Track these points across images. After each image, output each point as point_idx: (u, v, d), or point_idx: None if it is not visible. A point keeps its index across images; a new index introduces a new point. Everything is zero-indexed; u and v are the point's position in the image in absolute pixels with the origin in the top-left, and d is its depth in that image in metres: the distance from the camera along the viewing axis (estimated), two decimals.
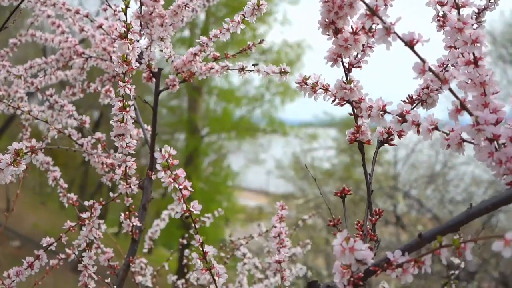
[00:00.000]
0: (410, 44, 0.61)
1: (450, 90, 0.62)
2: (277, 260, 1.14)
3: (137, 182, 1.09)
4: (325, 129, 10.36)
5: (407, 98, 0.83)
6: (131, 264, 1.18)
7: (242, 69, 1.15)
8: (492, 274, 5.56)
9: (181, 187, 0.76)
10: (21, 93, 1.40)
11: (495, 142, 0.62)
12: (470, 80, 0.67)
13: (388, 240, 6.37)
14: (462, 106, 0.62)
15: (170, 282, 1.64)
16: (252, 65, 1.15)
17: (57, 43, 1.36)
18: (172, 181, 0.76)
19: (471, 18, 0.87)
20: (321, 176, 8.76)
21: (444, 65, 0.83)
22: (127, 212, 1.13)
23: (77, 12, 1.28)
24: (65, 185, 1.25)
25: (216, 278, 0.79)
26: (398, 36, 0.61)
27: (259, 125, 10.45)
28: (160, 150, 0.74)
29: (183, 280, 1.59)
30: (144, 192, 1.23)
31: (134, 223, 1.14)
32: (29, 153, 0.83)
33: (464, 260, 1.32)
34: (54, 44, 1.36)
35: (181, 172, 0.77)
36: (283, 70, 1.08)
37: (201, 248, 0.79)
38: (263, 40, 1.22)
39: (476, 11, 0.87)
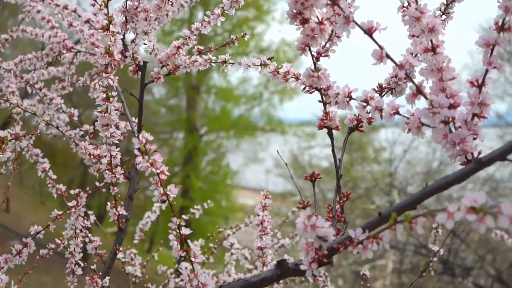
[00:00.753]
0: (368, 32, 0.64)
1: (407, 75, 0.65)
2: (259, 247, 1.17)
3: (122, 171, 1.13)
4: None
5: (377, 87, 0.86)
6: (117, 252, 1.21)
7: (224, 62, 1.18)
8: (488, 270, 5.59)
9: (158, 171, 0.79)
10: (12, 87, 1.43)
11: (450, 125, 0.66)
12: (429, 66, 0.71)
13: None
14: (418, 91, 0.65)
15: (160, 273, 1.68)
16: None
17: (47, 38, 1.40)
18: (149, 165, 0.79)
19: (440, 9, 0.91)
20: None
21: (413, 55, 0.86)
22: (113, 201, 1.16)
23: (66, 7, 1.31)
24: (54, 176, 1.28)
25: (192, 259, 0.82)
26: (357, 24, 0.64)
27: (258, 123, 10.49)
28: (138, 136, 0.77)
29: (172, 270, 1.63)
30: (131, 183, 1.26)
31: (120, 212, 1.17)
32: (13, 140, 0.86)
33: (442, 247, 1.35)
34: (44, 39, 1.40)
35: (158, 157, 0.80)
36: (263, 63, 1.11)
37: (178, 231, 0.82)
38: (246, 33, 1.25)
39: (445, 2, 0.91)
